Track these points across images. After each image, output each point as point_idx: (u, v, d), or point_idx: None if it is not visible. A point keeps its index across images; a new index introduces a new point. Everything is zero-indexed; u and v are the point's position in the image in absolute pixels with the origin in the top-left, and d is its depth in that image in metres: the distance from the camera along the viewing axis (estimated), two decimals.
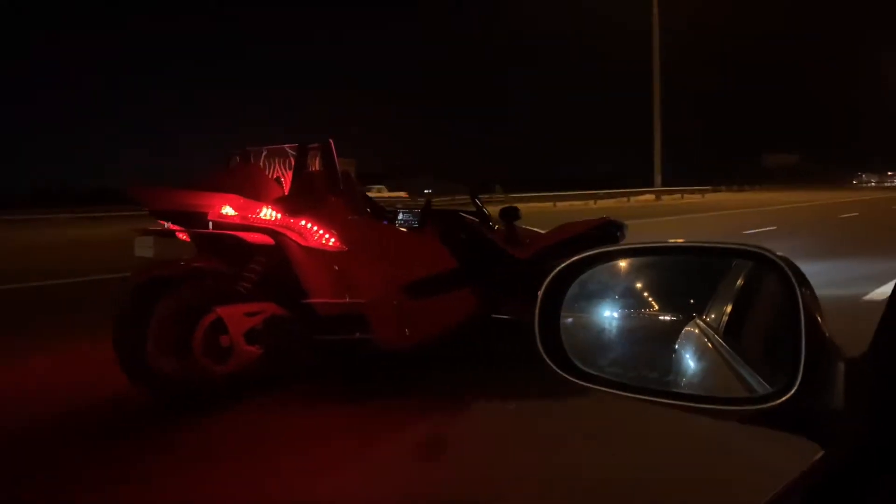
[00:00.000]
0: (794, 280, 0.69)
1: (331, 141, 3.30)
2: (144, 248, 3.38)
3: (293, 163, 3.44)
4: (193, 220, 3.31)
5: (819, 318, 0.68)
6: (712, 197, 32.91)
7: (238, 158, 3.75)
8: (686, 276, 0.95)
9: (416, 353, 3.42)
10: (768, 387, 0.72)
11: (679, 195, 31.99)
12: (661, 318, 0.93)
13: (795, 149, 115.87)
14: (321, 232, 3.17)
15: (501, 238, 3.84)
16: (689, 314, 0.94)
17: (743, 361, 0.88)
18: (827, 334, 0.67)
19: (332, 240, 3.16)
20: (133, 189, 3.45)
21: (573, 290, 0.94)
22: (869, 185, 71.50)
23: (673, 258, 0.97)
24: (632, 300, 0.97)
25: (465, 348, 3.67)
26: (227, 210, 3.25)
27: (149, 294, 3.12)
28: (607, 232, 4.14)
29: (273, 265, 3.22)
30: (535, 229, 4.27)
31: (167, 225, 3.48)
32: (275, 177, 3.51)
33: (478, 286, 3.60)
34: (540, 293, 0.92)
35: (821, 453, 0.60)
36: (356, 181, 3.58)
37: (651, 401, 0.81)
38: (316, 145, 3.36)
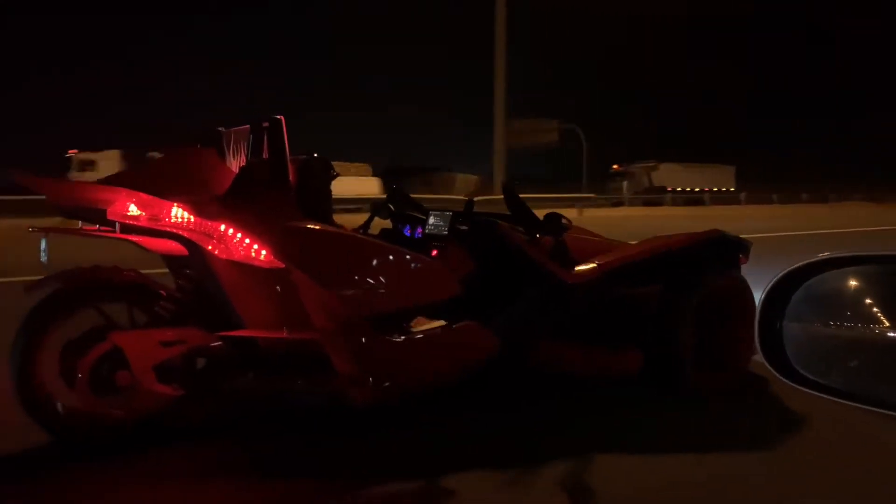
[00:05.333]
0: None
1: (281, 118, 2.58)
2: (41, 252, 2.77)
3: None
4: (97, 218, 2.71)
5: None
6: None
7: (203, 141, 3.08)
8: None
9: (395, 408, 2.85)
10: None
11: None
12: (890, 333, 0.87)
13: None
14: (248, 241, 2.47)
15: (548, 255, 3.10)
16: None
17: None
18: None
19: (264, 252, 2.46)
20: (23, 178, 2.76)
21: (798, 295, 0.93)
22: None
23: None
24: (857, 311, 0.93)
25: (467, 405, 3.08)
26: (132, 208, 2.63)
27: (49, 311, 2.59)
28: (721, 252, 3.45)
29: (203, 281, 2.64)
30: (619, 241, 3.58)
31: (81, 224, 2.82)
32: (241, 165, 2.84)
33: (497, 321, 2.89)
34: (762, 297, 0.94)
35: None
36: (328, 174, 2.85)
37: (887, 413, 0.82)
38: (266, 124, 2.65)
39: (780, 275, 0.93)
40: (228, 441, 2.75)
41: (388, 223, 3.66)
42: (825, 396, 0.87)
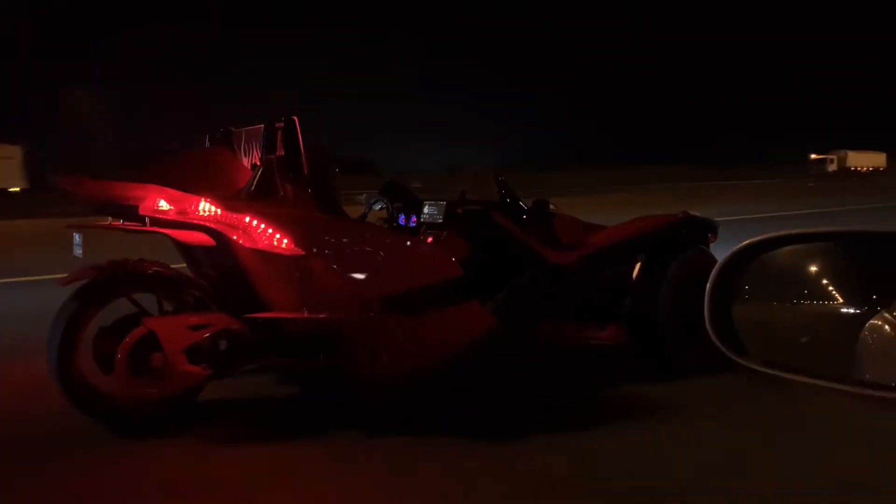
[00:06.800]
0: None
1: (295, 118, 2.86)
2: (75, 247, 2.96)
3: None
4: (129, 214, 2.93)
5: None
6: None
7: (214, 141, 3.32)
8: (868, 266, 0.93)
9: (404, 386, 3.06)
10: None
11: None
12: (842, 310, 0.91)
13: None
14: (271, 231, 2.72)
15: (538, 239, 3.39)
16: (874, 307, 0.91)
17: None
18: None
19: (286, 241, 2.71)
20: (59, 178, 2.97)
21: (748, 272, 0.97)
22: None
23: (852, 246, 0.95)
24: (809, 288, 0.96)
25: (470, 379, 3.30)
26: (162, 204, 2.86)
27: (85, 301, 2.80)
28: (691, 231, 3.75)
29: (228, 269, 2.88)
30: (599, 225, 3.84)
31: (110, 220, 3.03)
32: (253, 162, 3.11)
33: (494, 300, 3.19)
34: (712, 276, 0.96)
35: None
36: (333, 167, 3.12)
37: (834, 388, 0.82)
38: (281, 124, 2.93)
39: (731, 252, 0.92)
40: (244, 427, 2.98)
41: (380, 213, 3.94)
42: (775, 373, 0.86)
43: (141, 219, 2.92)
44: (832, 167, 43.97)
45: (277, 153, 2.95)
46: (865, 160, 47.16)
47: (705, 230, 3.83)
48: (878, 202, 17.02)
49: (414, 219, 3.69)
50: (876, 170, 46.20)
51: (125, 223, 3.04)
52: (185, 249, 3.27)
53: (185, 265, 3.43)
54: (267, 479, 2.48)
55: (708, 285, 0.94)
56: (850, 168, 44.52)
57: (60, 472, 2.54)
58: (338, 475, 2.51)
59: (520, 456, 2.65)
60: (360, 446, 2.75)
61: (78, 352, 2.77)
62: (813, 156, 45.91)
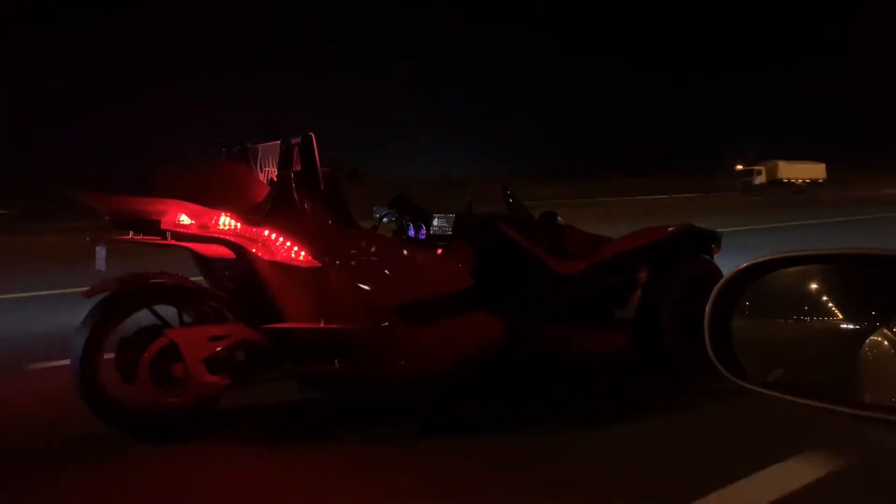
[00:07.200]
0: None
1: (312, 135, 2.97)
2: (98, 260, 3.04)
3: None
4: (151, 228, 3.01)
5: None
6: None
7: (230, 155, 3.41)
8: (868, 283, 0.94)
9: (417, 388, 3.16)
10: None
11: None
12: (842, 326, 0.92)
13: None
14: (289, 244, 2.84)
15: (545, 250, 3.50)
16: (874, 324, 0.93)
17: None
18: None
19: (303, 253, 2.82)
20: (80, 193, 3.06)
21: (747, 294, 0.98)
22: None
23: (853, 265, 0.96)
24: (808, 307, 0.98)
25: (481, 383, 3.38)
26: (183, 218, 2.96)
27: (107, 312, 2.88)
28: (695, 242, 3.85)
29: (247, 281, 2.97)
30: (605, 236, 3.94)
31: (131, 233, 3.11)
32: (269, 177, 3.21)
33: (502, 309, 3.28)
34: (711, 298, 0.97)
35: None
36: (344, 183, 3.23)
37: (834, 409, 0.82)
38: (297, 140, 3.05)
39: (731, 273, 0.93)
40: (257, 432, 3.05)
41: (389, 226, 4.03)
42: (775, 394, 0.87)
43: (162, 233, 3.01)
44: (759, 179, 40.44)
45: (294, 168, 3.05)
46: (800, 171, 43.07)
47: (709, 241, 3.93)
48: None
49: (423, 231, 3.80)
50: (814, 182, 42.38)
51: (146, 237, 3.12)
52: (203, 262, 3.37)
53: (202, 278, 3.51)
54: (273, 480, 2.56)
55: (707, 307, 0.95)
56: (781, 180, 40.87)
57: (78, 478, 2.60)
58: (337, 476, 2.59)
59: (520, 456, 2.70)
60: (361, 447, 2.82)
61: (100, 361, 2.84)
62: (739, 167, 42.18)
